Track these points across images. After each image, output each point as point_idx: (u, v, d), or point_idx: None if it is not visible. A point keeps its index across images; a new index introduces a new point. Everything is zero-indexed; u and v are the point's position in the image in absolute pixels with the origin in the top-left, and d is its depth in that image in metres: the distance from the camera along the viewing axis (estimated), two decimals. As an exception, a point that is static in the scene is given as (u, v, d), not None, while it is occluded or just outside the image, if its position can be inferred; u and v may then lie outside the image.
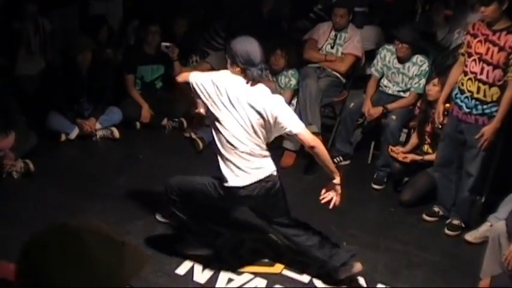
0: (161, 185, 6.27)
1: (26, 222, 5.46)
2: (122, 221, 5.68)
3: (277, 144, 6.96)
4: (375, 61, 7.20)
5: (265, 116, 4.53)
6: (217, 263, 5.25)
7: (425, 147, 6.57)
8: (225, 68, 4.61)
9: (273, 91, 7.21)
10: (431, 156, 6.40)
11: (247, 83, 4.60)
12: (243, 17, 8.35)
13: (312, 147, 4.62)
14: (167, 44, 7.39)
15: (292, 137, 4.82)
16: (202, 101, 4.68)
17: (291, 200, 6.15)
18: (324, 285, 5.16)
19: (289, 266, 5.33)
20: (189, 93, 4.79)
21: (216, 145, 4.66)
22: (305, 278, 5.22)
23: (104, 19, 7.77)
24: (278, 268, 5.29)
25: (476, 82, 5.58)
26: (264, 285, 5.07)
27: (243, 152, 4.58)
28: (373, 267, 5.42)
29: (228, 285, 5.04)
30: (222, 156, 4.63)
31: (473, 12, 7.25)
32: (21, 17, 7.21)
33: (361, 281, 5.22)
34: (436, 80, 6.30)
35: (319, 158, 4.70)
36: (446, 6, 7.94)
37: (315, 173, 6.96)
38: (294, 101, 7.36)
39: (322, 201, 4.89)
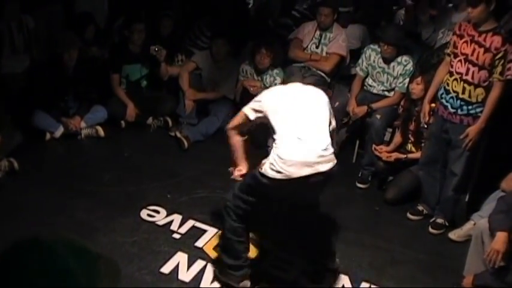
0: (146, 183, 6.32)
1: (10, 221, 5.45)
2: (107, 219, 5.68)
3: (261, 144, 7.01)
4: (360, 60, 7.23)
5: None
6: (201, 261, 5.26)
7: (409, 146, 6.60)
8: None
9: (258, 90, 7.30)
10: (415, 155, 6.45)
11: None
12: (227, 15, 8.36)
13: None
14: (156, 47, 7.40)
15: None
16: None
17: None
18: (308, 284, 5.19)
19: (274, 264, 5.34)
20: None
21: None
22: (290, 276, 5.24)
23: (91, 17, 7.75)
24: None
25: (462, 83, 5.60)
26: (248, 284, 5.07)
27: None
28: (358, 264, 5.45)
29: (213, 284, 5.04)
30: None
31: (458, 12, 7.29)
32: (3, 15, 7.17)
33: (346, 278, 5.25)
34: (419, 79, 6.33)
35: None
36: (431, 6, 7.96)
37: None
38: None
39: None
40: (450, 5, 7.83)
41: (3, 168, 6.29)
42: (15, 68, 7.30)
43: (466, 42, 5.56)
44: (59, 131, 7.16)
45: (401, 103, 6.81)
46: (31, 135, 6.86)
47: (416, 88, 6.32)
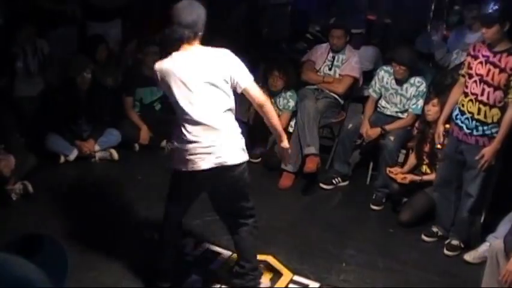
0: (160, 206, 6.30)
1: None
2: (121, 242, 5.68)
3: (275, 165, 7.02)
4: (373, 82, 7.21)
5: None
6: (216, 285, 5.24)
7: (424, 168, 6.56)
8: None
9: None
10: (429, 177, 6.41)
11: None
12: (240, 38, 8.38)
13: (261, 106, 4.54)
14: None
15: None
16: None
17: (289, 221, 6.15)
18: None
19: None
20: None
21: None
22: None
23: (102, 38, 7.79)
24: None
25: (477, 103, 5.58)
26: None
27: None
28: (372, 287, 5.41)
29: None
30: None
31: (472, 32, 7.28)
32: (18, 39, 7.23)
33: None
34: (435, 101, 6.30)
35: (267, 118, 4.61)
36: (444, 27, 7.98)
37: (313, 194, 7.00)
38: (293, 123, 7.38)
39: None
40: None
41: (18, 191, 6.31)
42: (29, 92, 7.35)
43: (480, 63, 5.54)
44: (73, 154, 7.18)
45: (416, 125, 6.79)
46: (45, 159, 6.87)
47: (432, 110, 6.28)
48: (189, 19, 4.32)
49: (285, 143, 4.73)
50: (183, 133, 4.43)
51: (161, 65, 4.45)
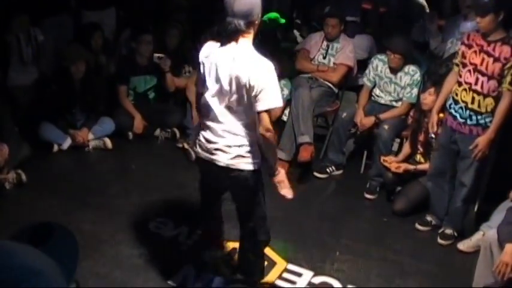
0: (153, 195, 6.31)
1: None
2: (114, 231, 5.67)
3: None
4: (367, 71, 7.21)
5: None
6: (210, 273, 5.24)
7: (418, 157, 6.56)
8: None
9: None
10: (424, 166, 6.41)
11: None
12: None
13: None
14: (159, 55, 7.38)
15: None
16: None
17: (283, 210, 6.15)
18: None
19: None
20: None
21: None
22: (304, 279, 5.25)
23: (97, 26, 7.75)
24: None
25: (471, 92, 5.58)
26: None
27: None
28: (366, 276, 5.42)
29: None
30: None
31: (466, 21, 7.27)
32: (11, 28, 7.19)
33: (354, 290, 5.24)
34: (432, 90, 6.28)
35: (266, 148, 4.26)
36: (439, 16, 7.95)
37: (308, 182, 6.99)
38: (287, 111, 7.36)
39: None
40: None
41: (11, 180, 6.29)
42: (23, 80, 7.32)
43: (475, 52, 5.53)
44: (67, 143, 7.16)
45: (411, 114, 6.79)
46: (39, 148, 6.86)
47: (428, 99, 6.26)
48: (244, 8, 4.05)
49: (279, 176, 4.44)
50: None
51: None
